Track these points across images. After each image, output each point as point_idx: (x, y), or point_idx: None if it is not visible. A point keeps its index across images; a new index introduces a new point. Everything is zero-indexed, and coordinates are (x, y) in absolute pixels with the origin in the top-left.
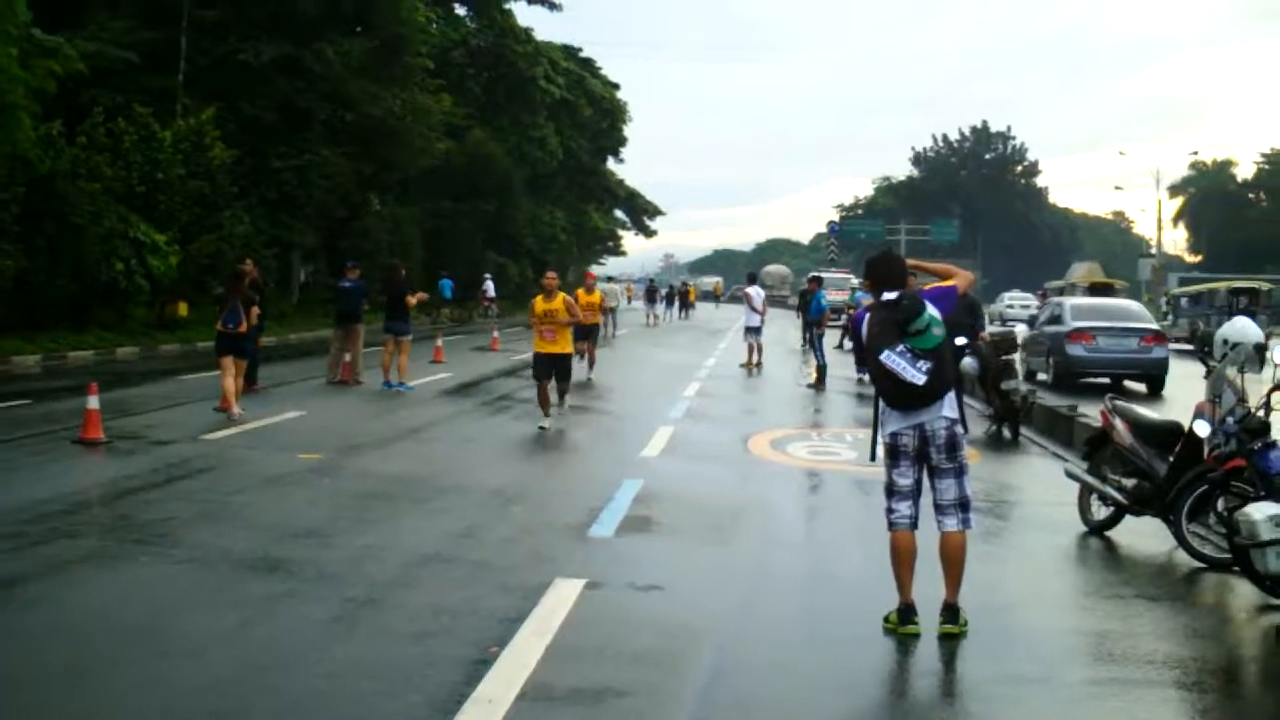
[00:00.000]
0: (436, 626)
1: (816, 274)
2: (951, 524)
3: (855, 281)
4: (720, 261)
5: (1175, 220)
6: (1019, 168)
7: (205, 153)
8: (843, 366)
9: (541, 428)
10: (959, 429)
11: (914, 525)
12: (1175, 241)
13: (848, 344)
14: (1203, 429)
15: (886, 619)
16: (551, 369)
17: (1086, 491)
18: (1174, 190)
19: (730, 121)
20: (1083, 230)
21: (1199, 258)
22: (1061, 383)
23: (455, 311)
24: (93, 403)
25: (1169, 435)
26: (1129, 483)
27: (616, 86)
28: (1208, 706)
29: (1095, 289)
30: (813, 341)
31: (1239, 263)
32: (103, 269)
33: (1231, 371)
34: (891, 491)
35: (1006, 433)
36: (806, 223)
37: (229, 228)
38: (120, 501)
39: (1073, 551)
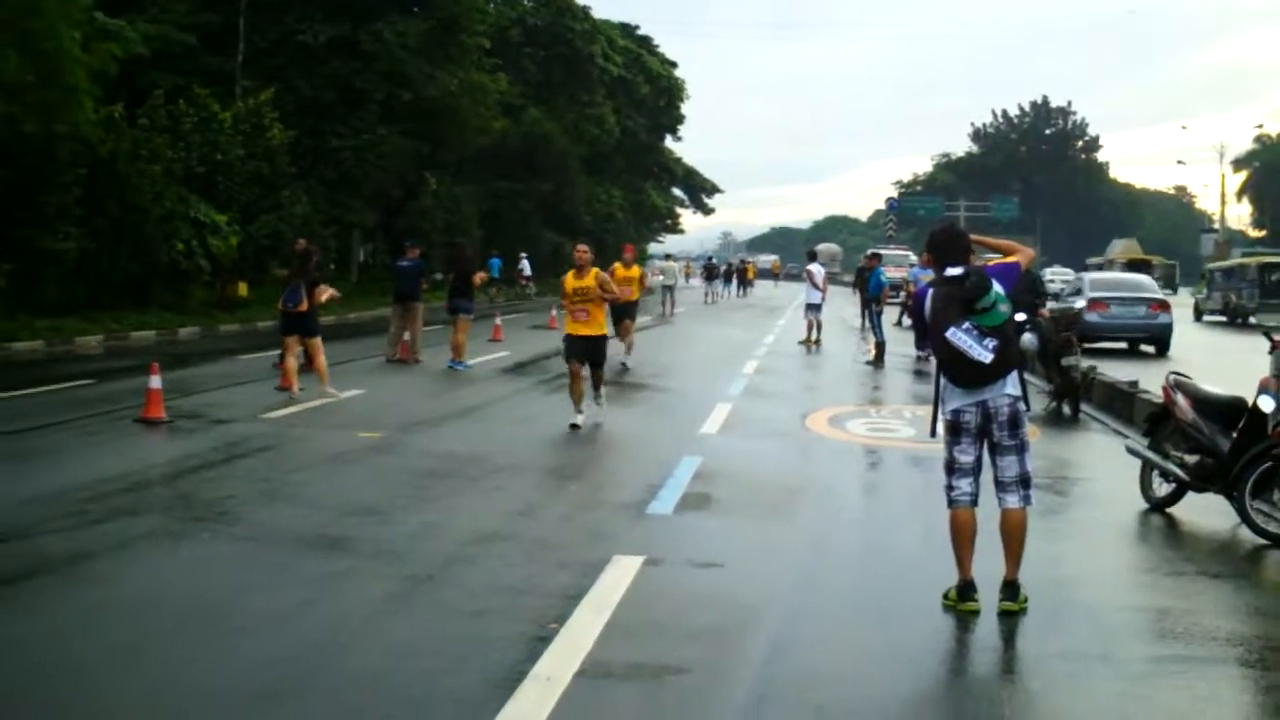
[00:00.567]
0: (495, 604)
1: (875, 250)
2: (1013, 501)
3: (914, 258)
4: (778, 239)
5: (1239, 195)
6: (1079, 143)
7: (264, 133)
8: (901, 343)
9: (574, 425)
10: (1021, 406)
11: (974, 502)
12: (1239, 216)
13: (906, 321)
14: (1267, 404)
15: (946, 595)
16: (585, 354)
17: (1148, 468)
18: (1238, 164)
19: (789, 99)
20: (1144, 205)
21: (1263, 232)
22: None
23: (505, 290)
24: (154, 382)
25: (1232, 411)
26: (1191, 459)
27: (674, 64)
28: (1271, 684)
29: (1132, 264)
30: (871, 318)
31: None
32: (163, 250)
33: None
34: (952, 468)
35: (1067, 409)
36: (865, 200)
37: (288, 207)
38: (181, 480)
39: (1133, 528)
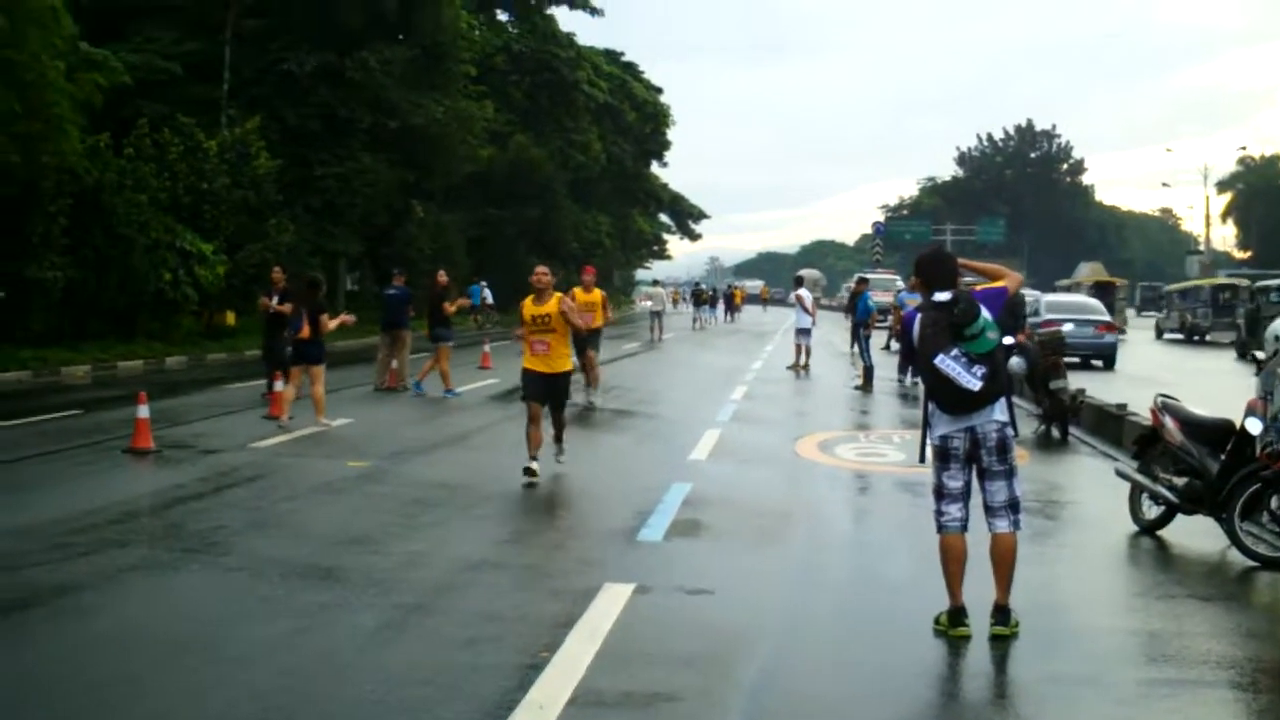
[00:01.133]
0: (486, 632)
1: (863, 275)
2: (1002, 526)
3: (900, 283)
4: (765, 264)
5: (1224, 216)
6: (1064, 166)
7: (250, 162)
8: (890, 368)
9: (529, 472)
10: (1009, 431)
11: (964, 527)
12: (1224, 238)
13: (894, 345)
14: (1255, 426)
15: (937, 620)
16: (544, 394)
17: (1137, 490)
18: (1222, 186)
19: (774, 124)
20: (1130, 228)
21: (1248, 254)
22: None
23: (485, 316)
24: (142, 412)
25: (1220, 433)
26: (1180, 481)
27: (659, 90)
28: (1262, 708)
29: (1098, 286)
30: (860, 343)
31: None
32: (150, 279)
33: None
34: (941, 494)
35: (1056, 432)
36: (851, 224)
37: (274, 236)
38: (170, 510)
39: (1124, 551)
